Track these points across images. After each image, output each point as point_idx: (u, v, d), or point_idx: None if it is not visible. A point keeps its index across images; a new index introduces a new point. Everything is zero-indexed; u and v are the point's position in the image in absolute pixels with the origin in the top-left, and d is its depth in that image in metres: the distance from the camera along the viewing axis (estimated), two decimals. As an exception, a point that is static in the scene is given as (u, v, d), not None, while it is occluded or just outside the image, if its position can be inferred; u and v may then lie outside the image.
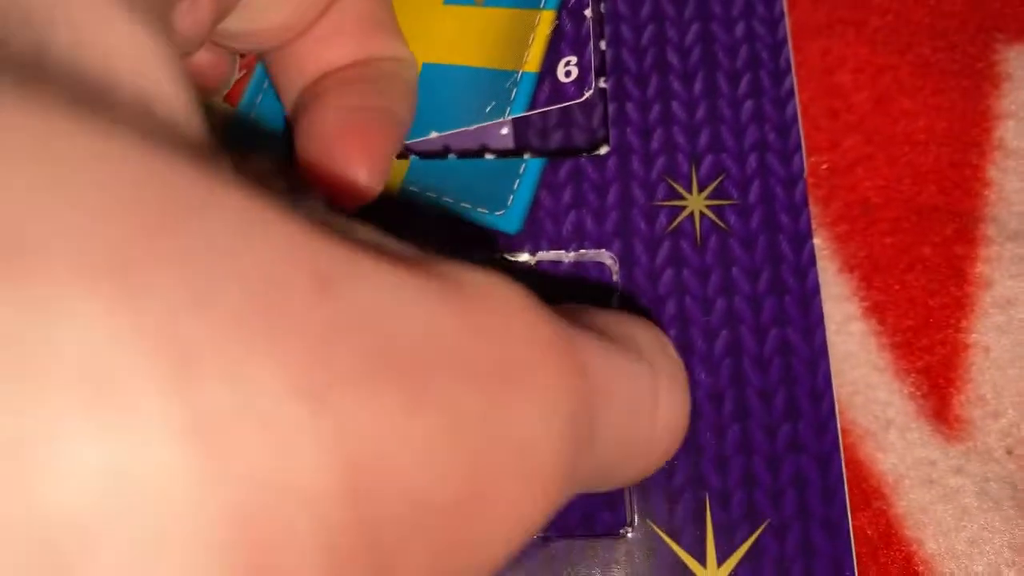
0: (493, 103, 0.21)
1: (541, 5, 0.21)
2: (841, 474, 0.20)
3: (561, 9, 0.21)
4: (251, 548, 0.09)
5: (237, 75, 0.23)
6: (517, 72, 0.21)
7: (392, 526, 0.10)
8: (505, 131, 0.22)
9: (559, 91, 0.21)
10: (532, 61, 0.21)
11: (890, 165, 0.23)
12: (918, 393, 0.22)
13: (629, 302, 0.21)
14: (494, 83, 0.21)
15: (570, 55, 0.21)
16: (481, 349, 0.11)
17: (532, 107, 0.20)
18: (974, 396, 0.22)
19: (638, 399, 0.14)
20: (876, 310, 0.23)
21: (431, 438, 0.10)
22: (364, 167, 0.18)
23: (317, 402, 0.09)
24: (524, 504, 0.11)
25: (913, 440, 0.22)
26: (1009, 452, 0.22)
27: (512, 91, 0.21)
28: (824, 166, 0.24)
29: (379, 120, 0.19)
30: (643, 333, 0.15)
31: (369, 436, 0.09)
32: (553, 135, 0.22)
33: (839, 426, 0.20)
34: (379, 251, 0.11)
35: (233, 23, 0.19)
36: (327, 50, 0.20)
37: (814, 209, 0.24)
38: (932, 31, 0.24)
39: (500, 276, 0.12)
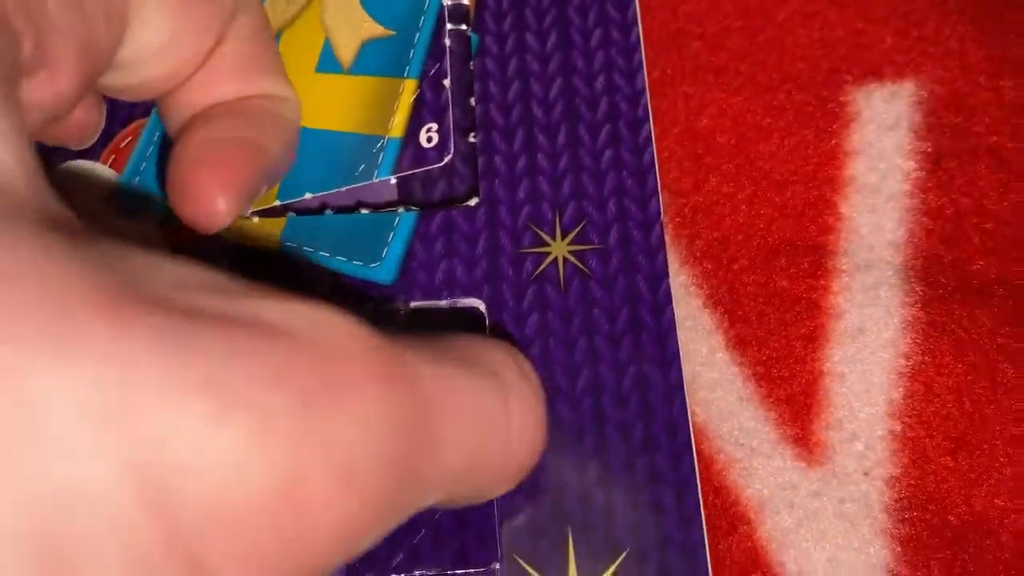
0: (363, 166, 0.22)
1: (404, 74, 0.22)
2: (698, 502, 0.21)
3: (422, 78, 0.22)
4: (52, 556, 0.10)
5: (123, 142, 0.23)
6: (384, 137, 0.22)
7: (204, 530, 0.11)
8: (391, 183, 0.23)
9: (421, 156, 0.22)
10: (397, 127, 0.22)
11: (749, 204, 0.25)
12: (780, 420, 0.23)
13: None
14: (363, 147, 0.22)
15: (431, 122, 0.22)
16: (293, 364, 0.12)
17: (396, 171, 0.22)
18: (832, 421, 0.23)
19: (489, 413, 0.15)
20: (739, 342, 0.24)
21: (240, 447, 0.11)
22: (220, 194, 0.19)
23: (105, 419, 0.10)
24: (342, 505, 0.12)
25: (776, 466, 0.23)
26: (866, 474, 0.23)
27: (379, 155, 0.22)
28: (688, 206, 0.25)
29: (241, 150, 0.20)
30: (498, 355, 0.17)
31: (170, 447, 0.11)
32: (427, 188, 0.23)
33: (695, 456, 0.21)
34: (183, 283, 0.12)
35: (111, 79, 0.20)
36: (208, 91, 0.21)
37: (680, 247, 0.25)
38: (786, 75, 0.26)
39: (324, 306, 0.13)
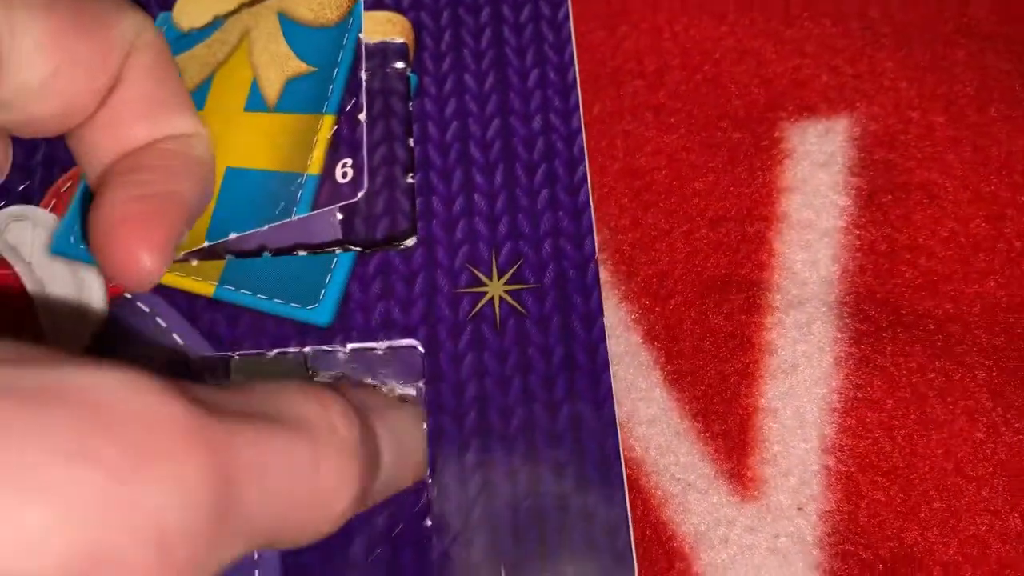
0: (282, 204, 0.22)
1: (323, 110, 0.23)
2: (629, 541, 0.21)
3: (339, 113, 0.23)
4: None
5: (64, 187, 0.24)
6: (302, 175, 0.22)
7: None
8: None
9: (336, 191, 0.22)
10: (315, 163, 0.22)
11: (686, 241, 0.25)
12: (716, 456, 0.24)
13: (433, 387, 0.22)
14: (283, 185, 0.22)
15: (347, 157, 0.22)
16: (98, 436, 0.12)
17: (314, 207, 0.22)
18: (767, 456, 0.23)
19: (296, 468, 0.16)
20: (676, 378, 0.24)
21: (45, 526, 0.11)
22: (144, 253, 0.20)
23: None
24: (154, 568, 0.12)
25: (712, 501, 0.23)
26: (799, 509, 0.23)
27: (298, 192, 0.22)
28: (627, 243, 0.25)
29: (160, 205, 0.20)
30: (313, 407, 0.17)
31: None
32: (369, 227, 0.23)
33: (627, 494, 0.21)
34: None
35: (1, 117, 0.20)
36: (117, 133, 0.21)
37: (619, 283, 0.25)
38: (722, 112, 0.26)
39: (133, 371, 0.14)
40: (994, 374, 0.23)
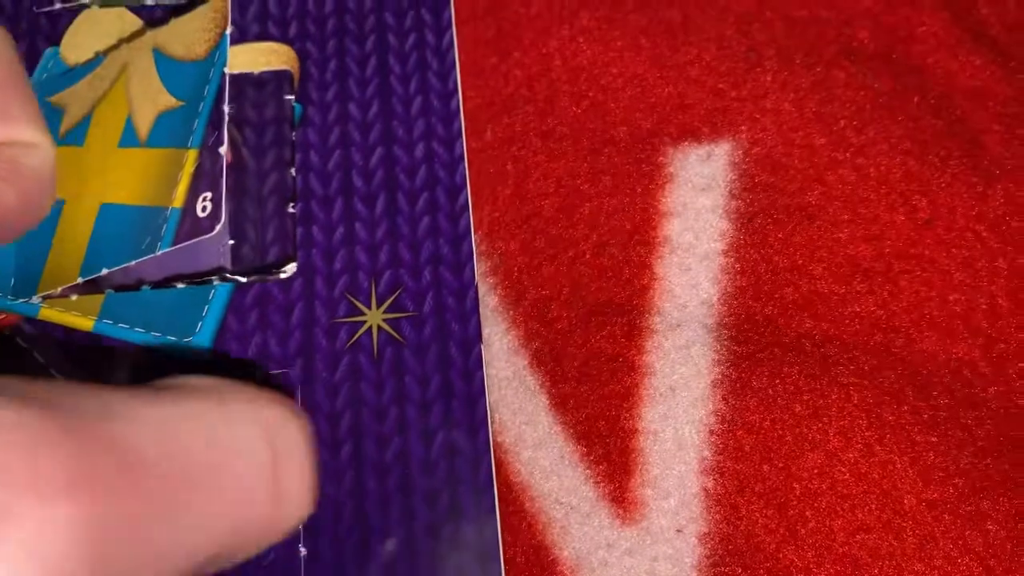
0: (148, 238, 0.22)
1: (188, 144, 0.23)
2: (500, 569, 0.21)
3: (202, 147, 0.23)
4: None
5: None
6: (167, 209, 0.22)
7: None
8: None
9: (196, 225, 0.22)
10: (179, 197, 0.22)
11: (571, 265, 0.25)
12: (599, 479, 0.24)
13: (309, 418, 0.22)
14: (150, 219, 0.22)
15: (206, 191, 0.22)
16: None
17: (176, 241, 0.22)
18: (647, 479, 0.24)
19: (250, 484, 0.14)
20: (561, 401, 0.24)
21: None
22: None
23: None
24: None
25: (593, 524, 0.23)
26: (679, 531, 0.23)
27: (163, 227, 0.22)
28: (516, 268, 0.26)
29: None
30: (274, 410, 0.16)
31: None
32: (244, 259, 0.24)
33: (499, 522, 0.22)
34: None
35: None
36: None
37: (508, 307, 0.25)
38: (608, 138, 0.26)
39: None
40: (869, 394, 0.23)
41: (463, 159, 0.25)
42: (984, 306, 0.24)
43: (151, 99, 0.24)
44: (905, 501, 0.23)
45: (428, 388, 0.23)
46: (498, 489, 0.23)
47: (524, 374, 0.25)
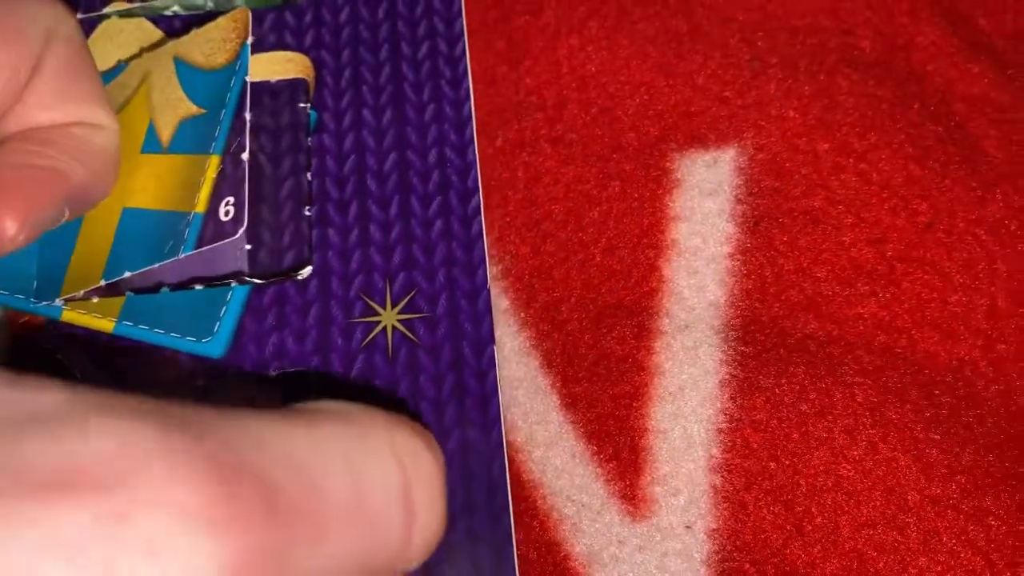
0: (171, 242, 0.23)
1: (211, 150, 0.23)
2: (513, 563, 0.22)
3: (225, 153, 0.24)
4: None
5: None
6: (190, 213, 0.23)
7: None
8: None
9: (220, 229, 0.23)
10: (201, 202, 0.23)
11: (580, 268, 0.26)
12: (609, 477, 0.24)
13: None
14: (173, 224, 0.23)
15: (229, 195, 0.23)
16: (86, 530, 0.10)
17: (198, 245, 0.22)
18: (657, 477, 0.24)
19: (385, 504, 0.14)
20: (572, 401, 0.25)
21: None
22: (8, 217, 0.20)
23: None
24: None
25: (604, 521, 0.24)
26: (688, 527, 0.24)
27: (185, 231, 0.23)
28: (527, 271, 0.26)
29: (36, 179, 0.21)
30: (403, 436, 0.15)
31: None
32: (261, 262, 0.24)
33: (512, 516, 0.22)
34: None
35: None
36: (22, 118, 0.22)
37: (519, 310, 0.26)
38: (616, 144, 0.27)
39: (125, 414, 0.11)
40: (872, 393, 0.24)
41: (475, 164, 0.25)
42: (984, 307, 0.25)
43: (173, 106, 0.24)
44: (909, 497, 0.23)
45: (442, 387, 0.23)
46: (510, 487, 0.24)
47: (535, 375, 0.25)
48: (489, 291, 0.24)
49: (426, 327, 0.24)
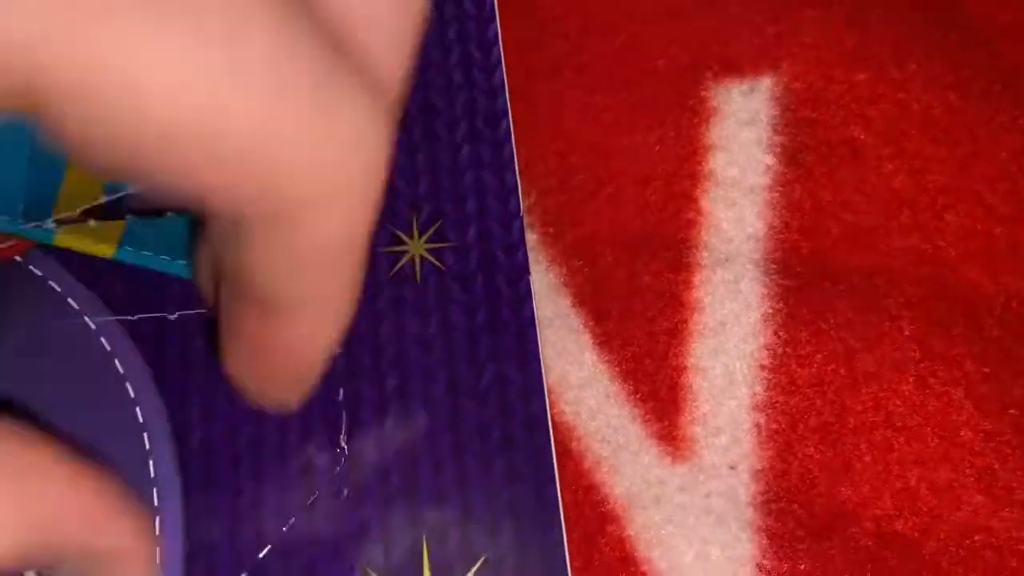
0: None
1: None
2: (557, 502, 0.20)
3: None
4: None
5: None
6: None
7: None
8: None
9: None
10: None
11: (612, 201, 0.25)
12: (646, 417, 0.23)
13: (349, 350, 0.21)
14: None
15: None
16: None
17: None
18: (697, 416, 0.23)
19: None
20: (606, 339, 0.24)
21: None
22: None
23: None
24: None
25: (643, 462, 0.23)
26: (731, 468, 0.23)
27: None
28: (554, 205, 0.25)
29: None
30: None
31: None
32: None
33: (554, 455, 0.21)
34: None
35: None
36: None
37: (547, 246, 0.24)
38: (646, 72, 0.26)
39: None
40: (920, 326, 0.23)
41: (504, 87, 0.24)
42: (1033, 237, 0.24)
43: None
44: (961, 432, 0.22)
45: (475, 320, 0.22)
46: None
47: (567, 313, 0.24)
48: (523, 219, 0.23)
49: (457, 257, 0.22)
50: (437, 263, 0.22)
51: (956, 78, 0.25)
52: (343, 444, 0.20)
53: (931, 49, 0.25)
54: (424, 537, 0.20)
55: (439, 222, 0.22)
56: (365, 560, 0.19)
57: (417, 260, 0.22)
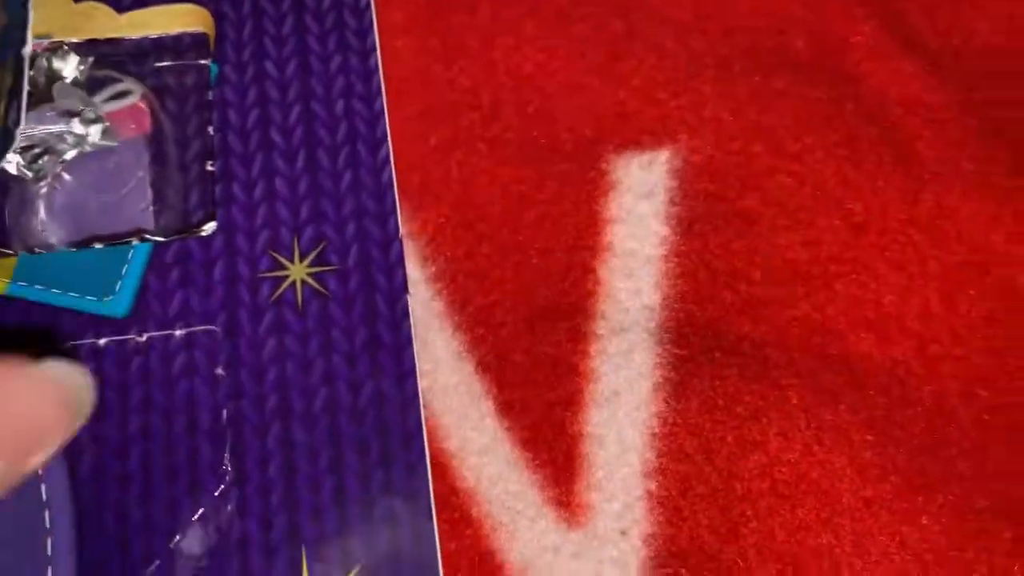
0: None
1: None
2: (430, 510, 0.21)
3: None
4: None
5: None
6: None
7: None
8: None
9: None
10: None
11: (516, 271, 0.25)
12: (545, 483, 0.24)
13: (232, 372, 0.22)
14: None
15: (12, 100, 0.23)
16: None
17: None
18: (592, 483, 0.24)
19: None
20: (507, 407, 0.24)
21: None
22: None
23: None
24: None
25: (539, 529, 0.23)
26: (623, 533, 0.23)
27: None
28: (461, 273, 0.26)
29: None
30: None
31: None
32: (163, 218, 0.24)
33: (428, 465, 0.22)
34: None
35: None
36: None
37: (454, 312, 0.25)
38: (552, 145, 0.27)
39: None
40: (807, 395, 0.24)
41: (383, 114, 0.25)
42: (917, 308, 0.25)
43: None
44: (843, 499, 0.23)
45: (354, 340, 0.23)
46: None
47: (470, 380, 0.25)
48: (402, 241, 0.24)
49: (337, 280, 0.23)
50: (318, 287, 0.23)
51: (850, 150, 0.26)
52: (227, 464, 0.22)
53: (827, 121, 0.26)
54: (304, 550, 0.21)
55: (321, 247, 0.24)
56: (245, 572, 0.21)
57: (299, 284, 0.23)
